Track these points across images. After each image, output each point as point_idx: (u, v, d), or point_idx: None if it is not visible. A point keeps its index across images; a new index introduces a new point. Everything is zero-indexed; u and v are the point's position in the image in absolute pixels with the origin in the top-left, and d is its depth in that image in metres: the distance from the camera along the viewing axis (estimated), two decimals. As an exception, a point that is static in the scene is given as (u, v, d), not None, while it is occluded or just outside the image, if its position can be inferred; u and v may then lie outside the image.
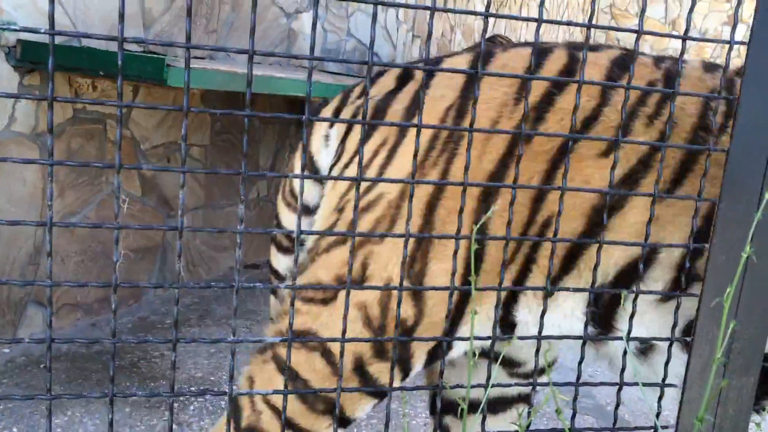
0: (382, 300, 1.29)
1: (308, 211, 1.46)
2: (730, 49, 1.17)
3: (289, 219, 1.56)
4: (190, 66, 1.95)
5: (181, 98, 3.09)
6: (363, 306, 1.29)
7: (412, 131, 1.32)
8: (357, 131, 1.42)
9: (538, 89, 1.31)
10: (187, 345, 2.84)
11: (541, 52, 1.38)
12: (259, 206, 3.95)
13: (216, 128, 3.47)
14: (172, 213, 3.23)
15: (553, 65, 1.35)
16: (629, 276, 1.30)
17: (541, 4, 0.97)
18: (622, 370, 1.19)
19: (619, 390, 1.19)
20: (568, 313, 1.35)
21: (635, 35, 1.03)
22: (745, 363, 1.21)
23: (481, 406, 1.11)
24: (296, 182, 1.50)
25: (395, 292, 1.26)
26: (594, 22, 10.88)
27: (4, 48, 2.34)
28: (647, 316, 1.32)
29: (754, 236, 1.12)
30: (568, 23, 1.02)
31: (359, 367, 1.31)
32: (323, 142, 1.47)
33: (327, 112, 1.54)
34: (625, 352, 1.18)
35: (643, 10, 1.03)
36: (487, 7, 1.00)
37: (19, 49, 2.34)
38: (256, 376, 1.37)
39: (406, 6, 1.06)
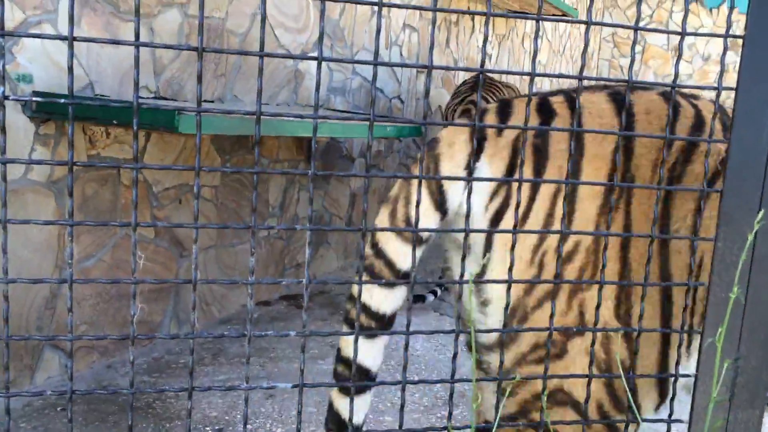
0: (604, 344, 1.32)
1: (420, 241, 1.42)
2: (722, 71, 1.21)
3: (396, 248, 1.41)
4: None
5: (192, 141, 3.17)
6: (589, 352, 1.29)
7: (587, 174, 1.34)
8: (527, 173, 1.38)
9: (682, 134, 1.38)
10: (201, 383, 2.87)
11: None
12: (269, 243, 4.00)
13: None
14: (185, 253, 3.28)
15: (686, 121, 1.41)
16: None
17: (533, 59, 1.02)
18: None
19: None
20: None
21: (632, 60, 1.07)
22: (749, 397, 1.23)
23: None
24: (413, 210, 1.39)
25: (612, 334, 1.31)
26: (596, 51, 10.91)
27: (20, 99, 2.42)
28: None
29: (751, 273, 1.15)
30: (560, 75, 1.07)
31: (603, 416, 1.34)
32: (464, 174, 1.41)
33: (459, 147, 1.42)
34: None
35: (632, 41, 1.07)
36: (484, 42, 1.05)
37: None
38: None
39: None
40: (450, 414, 1.17)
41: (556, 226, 1.34)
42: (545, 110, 1.43)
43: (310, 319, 3.73)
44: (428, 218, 1.41)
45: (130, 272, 1.11)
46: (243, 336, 1.03)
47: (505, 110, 1.45)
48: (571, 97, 1.44)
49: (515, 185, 1.38)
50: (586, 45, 1.11)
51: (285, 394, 2.84)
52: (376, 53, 0.99)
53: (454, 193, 1.41)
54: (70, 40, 0.89)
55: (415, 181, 1.43)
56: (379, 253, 1.42)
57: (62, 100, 0.90)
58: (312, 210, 1.03)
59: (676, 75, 1.12)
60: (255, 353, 3.25)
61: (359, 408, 1.42)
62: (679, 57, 1.11)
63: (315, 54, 4.17)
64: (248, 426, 2.62)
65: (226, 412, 2.67)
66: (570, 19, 1.15)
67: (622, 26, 1.08)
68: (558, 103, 1.43)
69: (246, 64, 3.54)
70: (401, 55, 5.22)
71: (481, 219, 1.41)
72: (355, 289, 1.42)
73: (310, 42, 4.12)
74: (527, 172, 1.39)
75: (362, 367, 1.42)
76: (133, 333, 0.99)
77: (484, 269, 1.40)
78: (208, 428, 2.55)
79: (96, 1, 2.68)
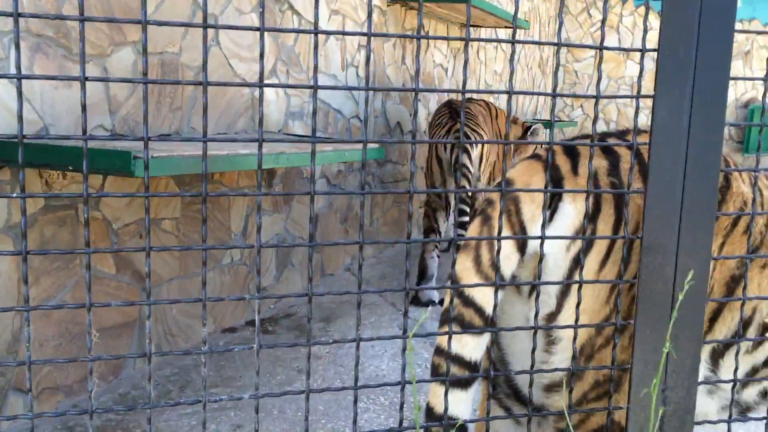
0: None
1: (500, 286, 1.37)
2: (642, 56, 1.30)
3: (484, 294, 1.38)
4: (155, 156, 2.05)
5: (153, 181, 3.19)
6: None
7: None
8: (607, 213, 1.40)
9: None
10: (169, 419, 2.89)
11: None
12: (234, 270, 4.03)
13: (185, 200, 3.56)
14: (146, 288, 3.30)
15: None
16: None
17: (510, 79, 1.09)
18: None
19: None
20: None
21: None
22: (679, 423, 1.32)
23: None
24: (501, 253, 1.33)
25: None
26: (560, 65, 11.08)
27: (-26, 147, 2.43)
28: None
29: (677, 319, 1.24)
30: (538, 93, 1.14)
31: None
32: (540, 212, 1.39)
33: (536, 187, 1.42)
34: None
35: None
36: (465, 65, 1.12)
37: (-11, 147, 2.43)
38: None
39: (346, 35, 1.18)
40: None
41: (634, 266, 1.33)
42: (610, 151, 1.47)
43: (276, 342, 3.76)
44: (511, 260, 1.40)
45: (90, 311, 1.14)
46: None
47: (571, 150, 1.48)
48: (624, 138, 1.52)
49: (599, 225, 1.40)
50: (558, 65, 1.19)
51: (250, 423, 2.87)
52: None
53: (535, 233, 1.40)
54: (18, 78, 0.93)
55: (496, 222, 1.40)
56: (467, 301, 1.39)
57: (16, 137, 0.94)
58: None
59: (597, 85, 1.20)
60: (222, 383, 3.28)
61: None
62: (599, 80, 1.19)
63: (273, 80, 4.22)
64: (216, 459, 2.66)
65: (194, 446, 2.70)
66: (541, 41, 1.22)
67: (588, 47, 1.16)
68: (616, 144, 1.49)
69: (202, 97, 3.57)
70: (357, 75, 5.30)
71: (562, 259, 1.42)
72: (443, 342, 1.36)
73: (266, 69, 4.17)
74: (609, 211, 1.42)
75: (453, 417, 1.37)
76: (90, 400, 1.04)
77: (559, 308, 1.42)
78: (176, 464, 2.58)
79: (47, 46, 2.70)
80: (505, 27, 7.62)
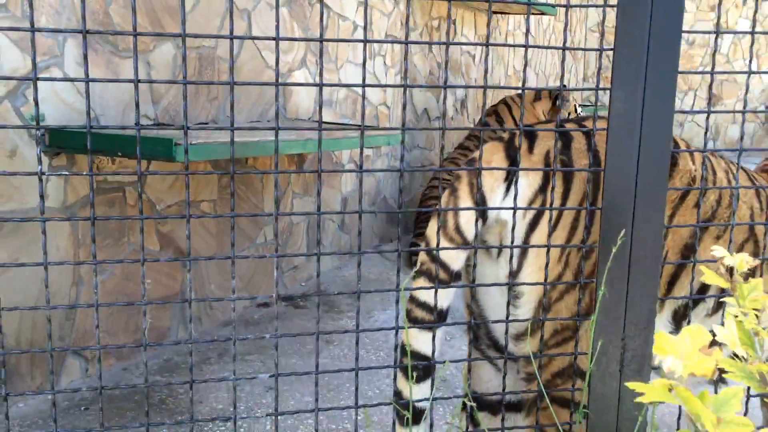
0: None
1: (468, 245, 1.62)
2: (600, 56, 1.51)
3: (449, 253, 1.62)
4: (193, 143, 2.33)
5: (192, 165, 3.47)
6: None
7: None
8: (557, 186, 1.63)
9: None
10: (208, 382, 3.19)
11: None
12: (266, 249, 4.31)
13: (222, 183, 3.84)
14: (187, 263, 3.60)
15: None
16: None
17: (485, 76, 1.32)
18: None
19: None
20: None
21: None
22: (637, 367, 1.54)
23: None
24: (463, 219, 1.62)
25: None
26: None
27: (34, 136, 2.74)
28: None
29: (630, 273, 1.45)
30: (506, 87, 1.37)
31: None
32: (502, 186, 1.64)
33: (496, 164, 1.65)
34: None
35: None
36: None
37: (47, 136, 2.73)
38: None
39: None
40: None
41: (580, 229, 1.60)
42: (563, 134, 1.69)
43: (306, 318, 4.04)
44: (473, 226, 1.64)
45: (139, 283, 1.41)
46: (229, 339, 1.34)
47: (530, 132, 1.72)
48: (580, 123, 1.75)
49: (549, 196, 1.63)
50: (526, 64, 1.41)
51: (284, 386, 3.15)
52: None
53: (494, 203, 1.64)
54: (87, 81, 1.19)
55: (461, 194, 1.65)
56: (434, 259, 1.62)
57: (84, 129, 1.21)
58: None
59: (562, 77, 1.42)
60: (257, 351, 3.56)
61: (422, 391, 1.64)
62: (562, 74, 1.41)
63: (303, 71, 4.47)
64: (249, 416, 2.94)
65: (231, 404, 2.99)
66: (549, 46, 1.44)
67: (552, 48, 1.38)
68: (573, 129, 1.71)
69: (237, 87, 3.84)
70: (385, 64, 5.52)
71: (520, 224, 1.66)
72: (415, 292, 1.62)
73: (296, 60, 4.42)
74: (558, 184, 1.65)
75: (420, 354, 1.62)
76: (145, 342, 1.30)
77: (520, 266, 1.66)
78: (218, 421, 2.87)
79: (97, 43, 2.98)
80: (533, 13, 7.73)
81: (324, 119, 4.74)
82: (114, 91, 3.07)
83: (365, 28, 1.33)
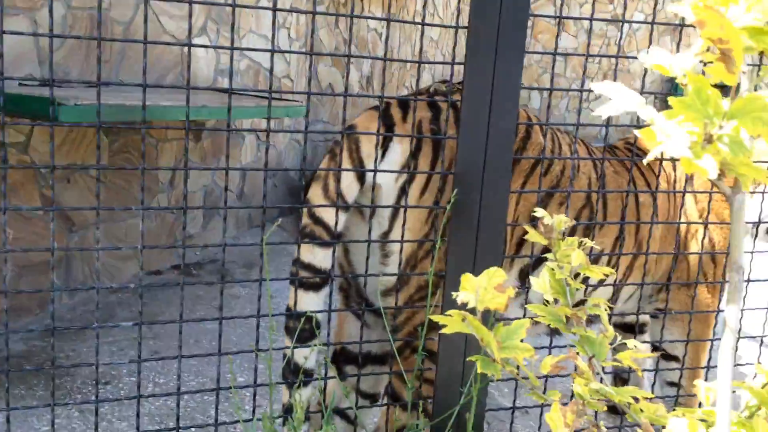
0: None
1: (347, 208, 1.71)
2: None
3: (330, 215, 1.70)
4: (79, 103, 2.31)
5: (76, 129, 3.40)
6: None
7: None
8: (426, 152, 1.73)
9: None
10: (91, 345, 3.17)
11: None
12: (160, 216, 4.27)
13: (114, 148, 3.78)
14: (74, 228, 3.54)
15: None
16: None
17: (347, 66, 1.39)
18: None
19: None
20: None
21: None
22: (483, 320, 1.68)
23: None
24: (344, 183, 1.69)
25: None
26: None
27: None
28: None
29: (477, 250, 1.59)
30: (338, 55, 1.45)
31: None
32: (378, 152, 1.70)
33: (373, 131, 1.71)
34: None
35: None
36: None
37: None
38: None
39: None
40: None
41: (447, 194, 1.68)
42: (434, 105, 1.80)
43: (198, 286, 4.05)
44: (352, 189, 1.72)
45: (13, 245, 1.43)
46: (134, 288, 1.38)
47: (404, 103, 1.82)
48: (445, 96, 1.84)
49: (420, 162, 1.73)
50: (421, 48, 1.49)
51: (168, 351, 3.18)
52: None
53: (371, 167, 1.71)
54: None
55: (339, 159, 1.70)
56: (317, 220, 1.70)
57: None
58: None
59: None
60: (145, 317, 3.55)
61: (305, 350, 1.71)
62: (421, 49, 1.51)
63: (203, 38, 4.43)
64: (133, 378, 2.95)
65: (112, 368, 2.99)
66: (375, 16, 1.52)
67: (413, 23, 1.47)
68: (442, 102, 1.80)
69: (131, 50, 3.78)
70: (289, 36, 5.52)
71: (392, 188, 1.75)
72: (301, 252, 1.69)
73: (196, 27, 4.37)
74: (428, 151, 1.75)
75: (310, 316, 1.69)
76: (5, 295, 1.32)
77: (391, 227, 1.75)
78: (94, 381, 2.87)
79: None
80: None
81: (225, 87, 4.71)
82: (-5, 46, 2.97)
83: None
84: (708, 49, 0.74)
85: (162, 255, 4.26)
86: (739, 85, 0.76)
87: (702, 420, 1.02)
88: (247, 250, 4.75)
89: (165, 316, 3.59)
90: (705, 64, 0.77)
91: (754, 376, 1.10)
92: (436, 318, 0.96)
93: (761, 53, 0.84)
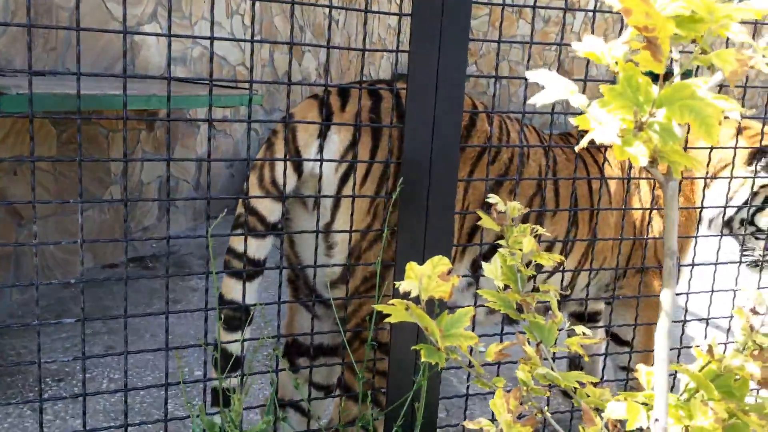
0: None
1: (285, 198, 1.67)
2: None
3: (265, 205, 1.68)
4: (22, 92, 2.25)
5: (21, 120, 3.30)
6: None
7: None
8: (366, 142, 1.71)
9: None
10: (43, 341, 3.10)
11: None
12: (114, 208, 4.18)
13: (62, 138, 3.68)
14: (23, 222, 3.44)
15: None
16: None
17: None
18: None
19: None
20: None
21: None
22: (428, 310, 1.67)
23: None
24: (279, 172, 1.66)
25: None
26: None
27: None
28: None
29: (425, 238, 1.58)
30: (281, 43, 1.42)
31: None
32: (315, 141, 1.68)
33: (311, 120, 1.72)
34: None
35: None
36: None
37: None
38: None
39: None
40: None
41: (388, 183, 1.68)
42: (375, 93, 1.78)
43: (154, 280, 3.98)
44: (290, 179, 1.68)
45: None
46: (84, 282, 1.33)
47: (344, 92, 1.78)
48: (389, 85, 1.83)
49: (360, 151, 1.71)
50: (365, 36, 1.47)
51: (123, 346, 3.12)
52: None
53: (308, 157, 1.69)
54: None
55: (277, 147, 1.68)
56: (252, 210, 1.68)
57: None
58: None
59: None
60: (98, 311, 3.48)
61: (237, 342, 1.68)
62: (365, 35, 1.49)
63: (153, 25, 4.33)
64: (88, 374, 2.89)
65: (66, 364, 2.93)
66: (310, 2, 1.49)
67: (355, 9, 1.44)
68: (383, 89, 1.79)
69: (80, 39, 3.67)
70: (243, 24, 5.44)
71: (332, 178, 1.72)
72: (232, 242, 1.69)
73: (146, 14, 4.27)
74: (367, 140, 1.72)
75: (236, 303, 1.67)
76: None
77: (333, 218, 1.73)
78: (48, 379, 2.80)
79: None
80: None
81: (176, 76, 4.62)
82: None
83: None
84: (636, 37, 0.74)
85: (117, 247, 4.17)
86: (667, 72, 0.76)
87: (643, 404, 1.03)
88: (205, 242, 4.67)
89: (120, 309, 3.52)
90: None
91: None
92: (380, 307, 0.95)
93: (693, 41, 0.84)
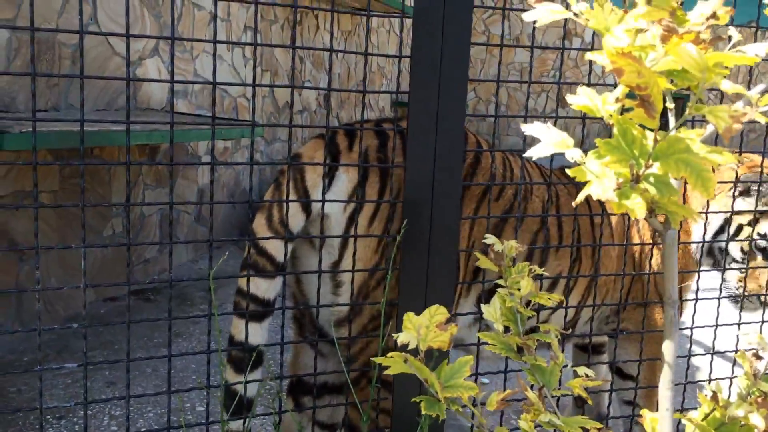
0: None
1: (292, 238, 1.68)
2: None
3: (274, 245, 1.68)
4: (24, 130, 2.26)
5: (26, 153, 3.32)
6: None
7: None
8: (374, 181, 1.72)
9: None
10: (45, 378, 3.08)
11: None
12: (115, 241, 4.19)
13: (64, 173, 3.70)
14: (24, 257, 3.44)
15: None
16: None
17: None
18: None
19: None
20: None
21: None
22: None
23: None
24: (289, 212, 1.66)
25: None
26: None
27: None
28: None
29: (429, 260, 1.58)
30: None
31: None
32: (324, 181, 1.69)
33: (318, 160, 1.72)
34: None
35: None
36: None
37: None
38: None
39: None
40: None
41: (396, 222, 1.66)
42: (381, 133, 1.79)
43: (157, 311, 3.98)
44: (297, 219, 1.69)
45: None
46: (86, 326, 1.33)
47: (352, 133, 1.79)
48: (397, 125, 1.82)
49: (368, 191, 1.72)
50: (365, 77, 1.48)
51: (125, 381, 3.10)
52: (123, 113, 1.32)
53: (316, 197, 1.69)
54: None
55: (284, 189, 1.67)
56: (261, 251, 1.67)
57: None
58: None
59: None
60: (100, 346, 3.47)
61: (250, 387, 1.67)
62: (365, 77, 1.51)
63: (154, 59, 4.37)
64: (90, 412, 2.88)
65: (67, 401, 2.91)
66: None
67: (354, 53, 1.46)
68: (389, 129, 1.79)
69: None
70: (244, 56, 5.49)
71: (340, 218, 1.73)
72: (242, 283, 1.65)
73: (148, 48, 4.32)
74: (375, 179, 1.73)
75: (252, 346, 1.66)
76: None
77: (341, 257, 1.73)
78: (49, 417, 2.79)
79: None
80: (395, 16, 7.92)
81: (179, 110, 4.66)
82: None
83: (214, 18, 1.37)
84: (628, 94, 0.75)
85: (119, 280, 4.17)
86: (662, 125, 0.77)
87: (647, 449, 1.02)
88: (207, 273, 4.67)
89: (121, 344, 3.51)
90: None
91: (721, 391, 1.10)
92: (379, 360, 0.95)
93: (688, 89, 0.85)
